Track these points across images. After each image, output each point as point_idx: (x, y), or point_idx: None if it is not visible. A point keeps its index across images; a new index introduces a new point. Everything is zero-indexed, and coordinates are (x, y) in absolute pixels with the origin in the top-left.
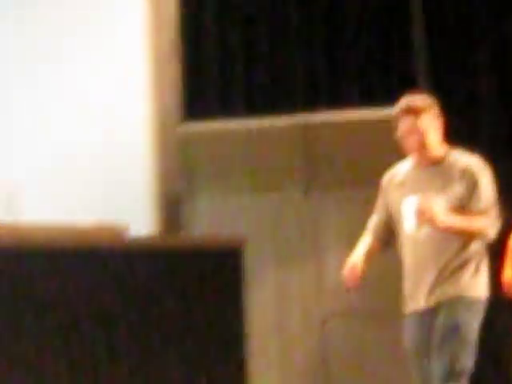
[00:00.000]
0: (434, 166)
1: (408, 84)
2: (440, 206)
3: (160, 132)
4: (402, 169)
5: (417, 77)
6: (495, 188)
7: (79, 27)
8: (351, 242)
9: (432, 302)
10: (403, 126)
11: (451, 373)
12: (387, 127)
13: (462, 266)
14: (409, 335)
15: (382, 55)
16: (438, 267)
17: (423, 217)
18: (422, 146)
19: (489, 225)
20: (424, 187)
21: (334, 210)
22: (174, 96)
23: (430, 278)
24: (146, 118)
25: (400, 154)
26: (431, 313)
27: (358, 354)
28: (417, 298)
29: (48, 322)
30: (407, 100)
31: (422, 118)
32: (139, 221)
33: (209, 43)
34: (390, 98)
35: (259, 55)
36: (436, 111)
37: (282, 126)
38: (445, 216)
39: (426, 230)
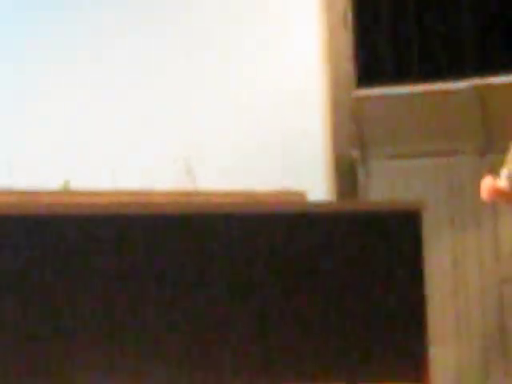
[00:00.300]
0: None
1: None
2: None
3: (334, 98)
4: None
5: None
6: None
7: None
8: None
9: None
10: None
11: None
12: None
13: None
14: None
15: None
16: None
17: None
18: None
19: None
20: None
21: None
22: (347, 62)
23: None
24: (321, 85)
25: None
26: None
27: None
28: None
29: (227, 281)
30: None
31: None
32: (315, 186)
33: (381, 10)
34: None
35: (432, 20)
36: None
37: (457, 90)
38: None
39: None
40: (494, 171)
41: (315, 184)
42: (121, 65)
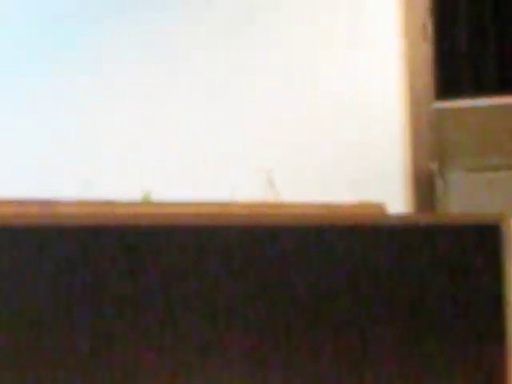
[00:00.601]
0: None
1: None
2: None
3: (413, 111)
4: None
5: None
6: None
7: (336, 6)
8: None
9: None
10: None
11: None
12: None
13: None
14: None
15: None
16: None
17: None
18: None
19: None
20: None
21: None
22: (426, 75)
23: None
24: (399, 97)
25: None
26: None
27: None
28: None
29: (307, 292)
30: None
31: None
32: (393, 199)
33: (461, 21)
34: None
35: (511, 32)
36: None
37: None
38: None
39: None
40: None
41: (393, 196)
42: (206, 75)
